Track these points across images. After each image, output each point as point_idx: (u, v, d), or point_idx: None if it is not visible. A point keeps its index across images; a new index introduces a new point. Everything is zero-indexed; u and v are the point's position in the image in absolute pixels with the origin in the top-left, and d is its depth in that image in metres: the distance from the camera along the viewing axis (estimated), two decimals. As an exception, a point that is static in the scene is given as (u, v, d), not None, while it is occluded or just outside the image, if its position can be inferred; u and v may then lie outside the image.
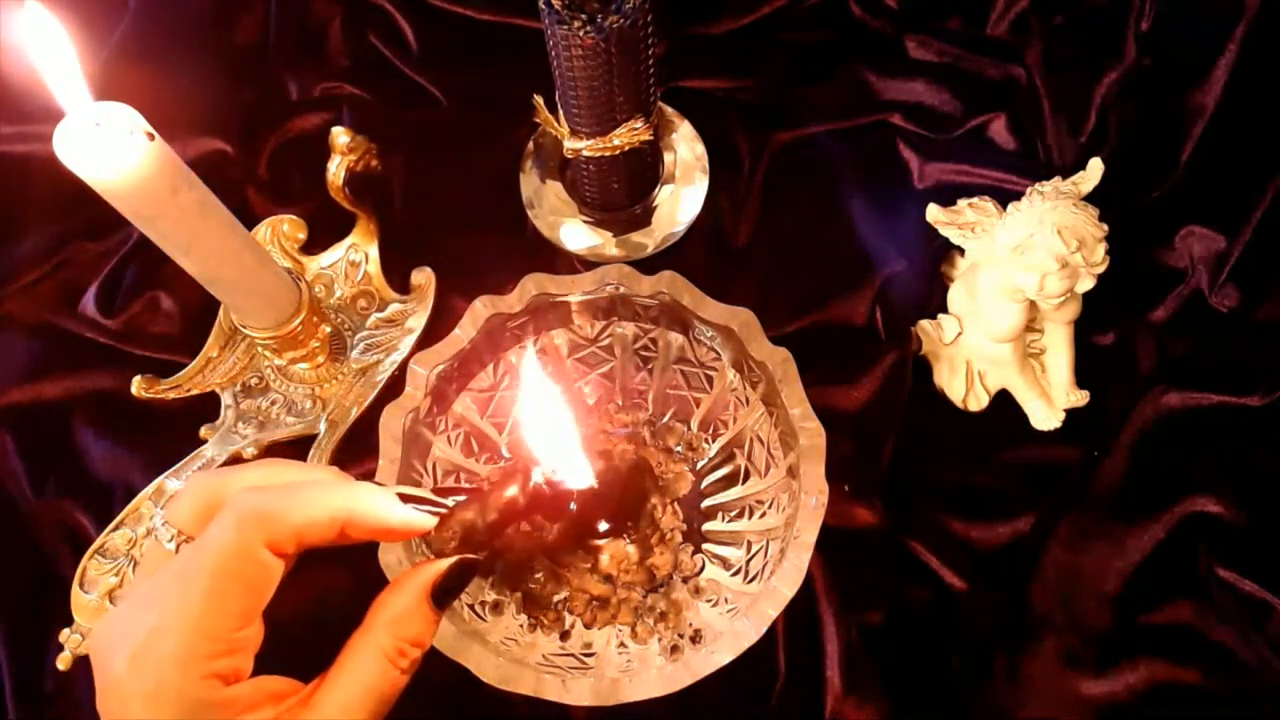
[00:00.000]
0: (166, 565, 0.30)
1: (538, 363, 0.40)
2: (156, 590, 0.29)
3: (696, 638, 0.45)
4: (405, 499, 0.32)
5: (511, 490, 0.34)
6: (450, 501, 0.33)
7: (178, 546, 0.31)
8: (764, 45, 0.64)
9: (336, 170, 0.53)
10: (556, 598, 0.47)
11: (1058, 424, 0.53)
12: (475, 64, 0.65)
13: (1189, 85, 0.57)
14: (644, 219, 0.58)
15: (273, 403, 0.55)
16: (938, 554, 0.50)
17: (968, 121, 0.60)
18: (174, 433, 0.54)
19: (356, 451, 0.54)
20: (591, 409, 0.51)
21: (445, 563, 0.33)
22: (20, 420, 0.55)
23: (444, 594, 0.33)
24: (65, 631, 0.50)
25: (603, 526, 0.46)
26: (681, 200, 0.59)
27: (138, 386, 0.54)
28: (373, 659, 0.31)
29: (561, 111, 0.51)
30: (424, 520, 0.32)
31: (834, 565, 0.48)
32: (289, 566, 0.33)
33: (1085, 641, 0.48)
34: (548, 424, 0.37)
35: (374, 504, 0.31)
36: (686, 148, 0.60)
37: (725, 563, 0.47)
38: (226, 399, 0.55)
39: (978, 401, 0.54)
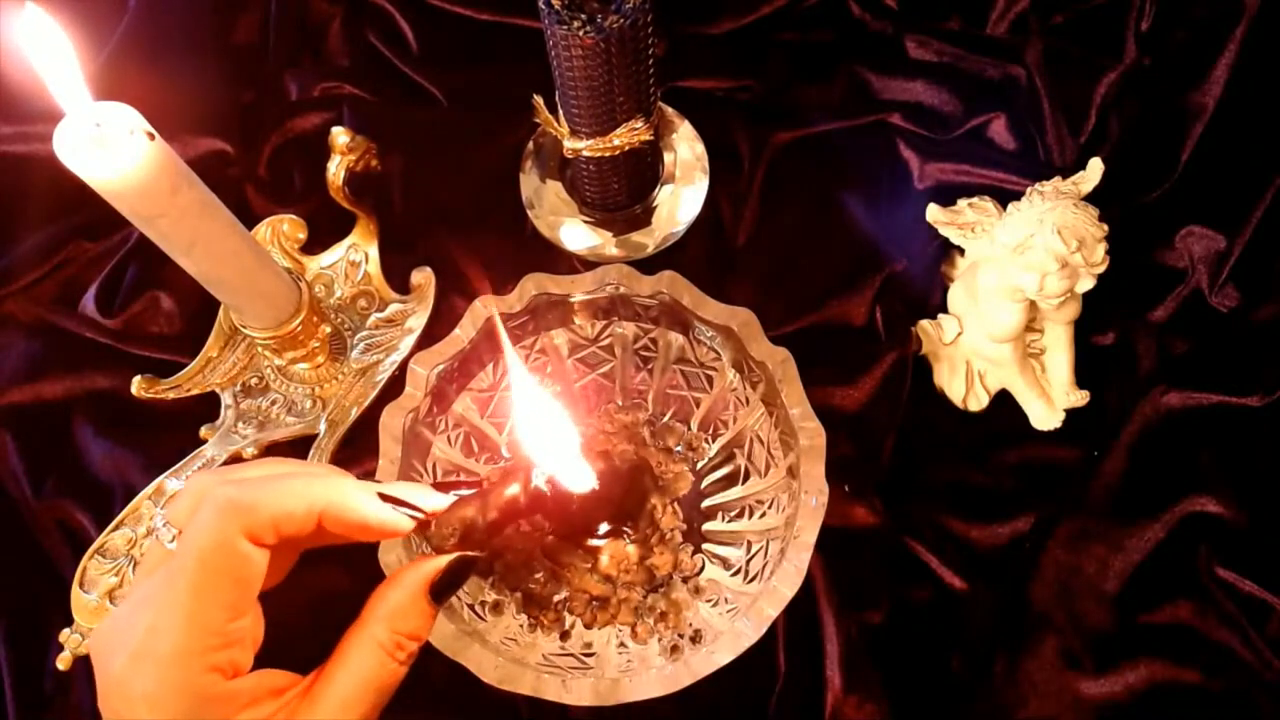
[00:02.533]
0: (162, 566, 0.30)
1: (526, 370, 0.39)
2: (151, 591, 0.29)
3: (696, 638, 0.45)
4: (385, 499, 0.32)
5: (513, 489, 0.34)
6: (439, 502, 0.33)
7: None
8: (764, 45, 0.64)
9: (336, 170, 0.53)
10: (556, 598, 0.47)
11: (1058, 424, 0.53)
12: (475, 64, 0.65)
13: (1189, 85, 0.57)
14: (644, 219, 0.58)
15: (273, 403, 0.55)
16: (938, 554, 0.50)
17: (968, 121, 0.60)
18: (174, 433, 0.54)
19: (356, 451, 0.54)
20: (591, 409, 0.51)
21: (444, 559, 0.33)
22: (20, 420, 0.55)
23: (442, 590, 0.33)
24: (65, 631, 0.50)
25: (603, 528, 0.46)
26: (681, 200, 0.59)
27: (138, 386, 0.54)
28: (370, 652, 0.31)
29: (561, 111, 0.51)
30: (400, 522, 0.32)
31: (834, 565, 0.48)
32: (290, 564, 0.33)
33: (1085, 641, 0.48)
34: (546, 432, 0.37)
35: (350, 498, 0.31)
36: (686, 148, 0.60)
37: (725, 563, 0.47)
38: (226, 399, 0.55)
39: (978, 401, 0.54)
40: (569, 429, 0.37)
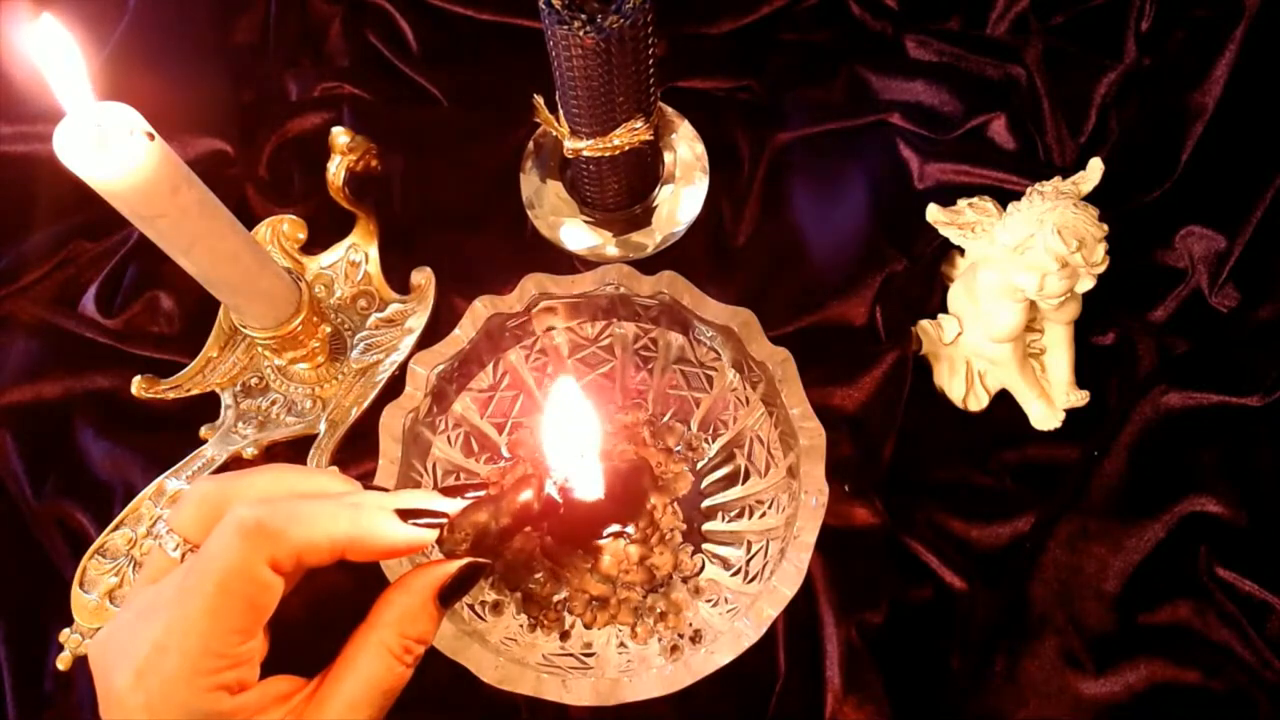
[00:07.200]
0: (169, 576, 0.30)
1: (573, 379, 0.40)
2: (159, 602, 0.29)
3: (696, 638, 0.45)
4: (405, 515, 0.32)
5: (526, 495, 0.34)
6: (450, 507, 0.33)
7: (183, 555, 0.31)
8: (764, 45, 0.64)
9: (336, 170, 0.53)
10: (556, 598, 0.47)
11: (1058, 424, 0.53)
12: (475, 64, 0.65)
13: (1189, 85, 0.57)
14: (644, 219, 0.58)
15: (273, 403, 0.55)
16: (938, 554, 0.50)
17: (968, 121, 0.60)
18: (174, 433, 0.54)
19: (356, 451, 0.53)
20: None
21: (454, 565, 0.33)
22: (20, 420, 0.55)
23: (450, 594, 0.33)
24: (65, 631, 0.50)
25: (607, 533, 0.46)
26: (681, 200, 0.59)
27: (138, 386, 0.54)
28: (377, 655, 0.31)
29: (561, 111, 0.51)
30: (423, 537, 0.32)
31: (834, 565, 0.48)
32: (291, 584, 0.33)
33: (1085, 641, 0.48)
34: (573, 436, 0.37)
35: (374, 528, 0.31)
36: (686, 148, 0.60)
37: (725, 563, 0.47)
38: (226, 399, 0.55)
39: (978, 401, 0.54)
40: (595, 433, 0.37)
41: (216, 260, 0.45)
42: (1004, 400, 0.55)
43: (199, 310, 0.57)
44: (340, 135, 0.53)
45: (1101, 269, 0.48)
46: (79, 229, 0.60)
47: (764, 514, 0.47)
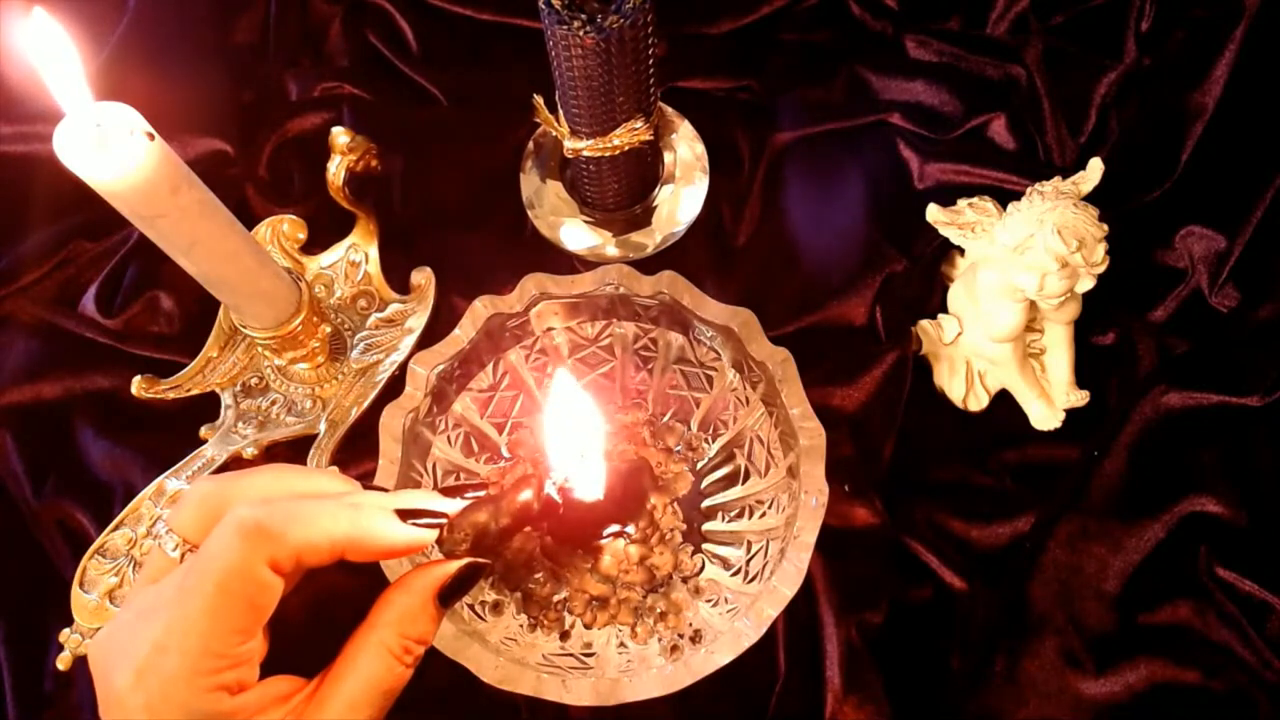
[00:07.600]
0: (169, 576, 0.30)
1: (572, 376, 0.40)
2: (159, 602, 0.29)
3: (696, 638, 0.45)
4: (405, 515, 0.32)
5: (526, 495, 0.34)
6: (449, 507, 0.33)
7: (183, 555, 0.31)
8: (764, 45, 0.64)
9: (336, 170, 0.53)
10: (556, 598, 0.47)
11: (1058, 424, 0.53)
12: (475, 64, 0.65)
13: (1189, 85, 0.57)
14: (644, 219, 0.58)
15: (273, 403, 0.55)
16: (938, 554, 0.50)
17: (968, 121, 0.60)
18: (174, 433, 0.54)
19: (356, 451, 0.53)
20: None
21: (453, 565, 0.33)
22: (20, 420, 0.55)
23: (450, 594, 0.33)
24: (65, 631, 0.50)
25: (607, 533, 0.46)
26: (681, 200, 0.59)
27: (138, 386, 0.54)
28: (378, 656, 0.31)
29: (561, 111, 0.51)
30: (423, 537, 0.32)
31: (834, 565, 0.48)
32: (291, 584, 0.33)
33: (1085, 641, 0.48)
34: (575, 435, 0.37)
35: (373, 528, 0.31)
36: (686, 148, 0.60)
37: (725, 563, 0.47)
38: (226, 399, 0.55)
39: (978, 401, 0.54)
40: (599, 432, 0.37)
41: (216, 260, 0.45)
42: (1004, 400, 0.55)
43: (199, 310, 0.57)
44: (340, 135, 0.53)
45: (1101, 269, 0.48)
46: (79, 229, 0.60)
47: (764, 514, 0.47)
